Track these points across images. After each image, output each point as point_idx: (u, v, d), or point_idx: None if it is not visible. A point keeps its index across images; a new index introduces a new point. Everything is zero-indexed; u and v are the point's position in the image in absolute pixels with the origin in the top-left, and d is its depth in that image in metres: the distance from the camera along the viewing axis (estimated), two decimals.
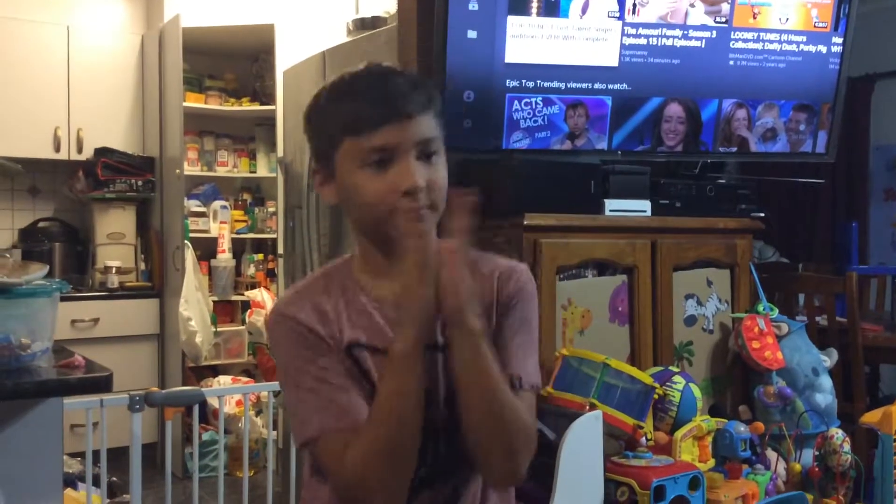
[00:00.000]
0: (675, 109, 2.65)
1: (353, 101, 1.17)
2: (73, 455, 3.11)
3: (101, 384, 1.71)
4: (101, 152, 4.33)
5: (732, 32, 2.68)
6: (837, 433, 2.47)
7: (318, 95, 1.24)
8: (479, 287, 1.20)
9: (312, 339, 1.18)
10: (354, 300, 1.22)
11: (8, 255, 2.37)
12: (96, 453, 2.50)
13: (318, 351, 1.18)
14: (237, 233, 4.69)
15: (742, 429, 2.39)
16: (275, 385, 3.12)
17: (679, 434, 2.28)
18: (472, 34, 2.36)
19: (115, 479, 3.00)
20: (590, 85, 2.53)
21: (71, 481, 2.87)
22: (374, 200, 1.15)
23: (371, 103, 1.15)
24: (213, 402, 3.96)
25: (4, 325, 1.67)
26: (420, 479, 1.19)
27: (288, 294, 1.27)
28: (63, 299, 1.86)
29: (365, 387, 1.19)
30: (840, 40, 2.83)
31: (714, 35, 2.66)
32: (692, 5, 2.61)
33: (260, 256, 4.77)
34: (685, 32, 2.62)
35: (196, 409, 2.72)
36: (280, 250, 3.96)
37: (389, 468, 1.12)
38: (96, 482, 2.64)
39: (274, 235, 4.55)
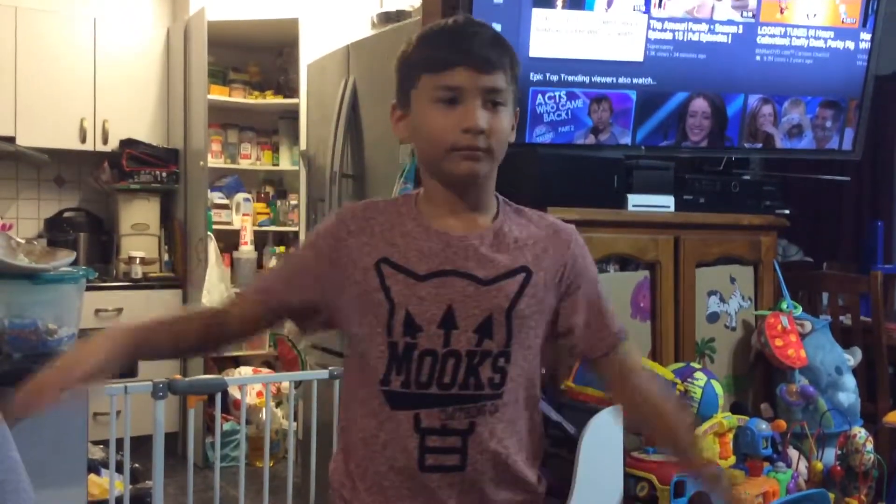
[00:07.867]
0: (700, 104, 2.64)
1: (437, 43, 1.28)
2: (96, 443, 3.14)
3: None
4: (127, 144, 4.36)
5: (759, 27, 2.66)
6: (860, 432, 2.45)
7: (410, 41, 1.33)
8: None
9: (330, 243, 1.30)
10: (402, 224, 1.31)
11: (35, 243, 2.40)
12: (119, 442, 2.52)
13: (318, 250, 1.31)
14: (259, 225, 4.71)
15: (764, 426, 2.38)
16: (295, 376, 3.14)
17: (700, 430, 2.26)
18: (496, 27, 2.35)
19: (137, 465, 3.02)
20: (614, 79, 2.52)
21: (94, 467, 2.90)
22: (438, 134, 1.24)
23: (451, 46, 1.26)
24: (235, 392, 3.99)
25: (32, 311, 1.69)
26: (433, 398, 1.24)
27: (356, 203, 1.38)
28: (87, 288, 1.87)
29: (383, 302, 1.26)
30: (868, 37, 2.80)
31: (740, 30, 2.64)
32: None
33: (282, 249, 4.79)
34: (711, 27, 2.60)
35: (218, 398, 2.74)
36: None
37: None
38: (119, 469, 2.66)
39: (296, 228, 4.57)
